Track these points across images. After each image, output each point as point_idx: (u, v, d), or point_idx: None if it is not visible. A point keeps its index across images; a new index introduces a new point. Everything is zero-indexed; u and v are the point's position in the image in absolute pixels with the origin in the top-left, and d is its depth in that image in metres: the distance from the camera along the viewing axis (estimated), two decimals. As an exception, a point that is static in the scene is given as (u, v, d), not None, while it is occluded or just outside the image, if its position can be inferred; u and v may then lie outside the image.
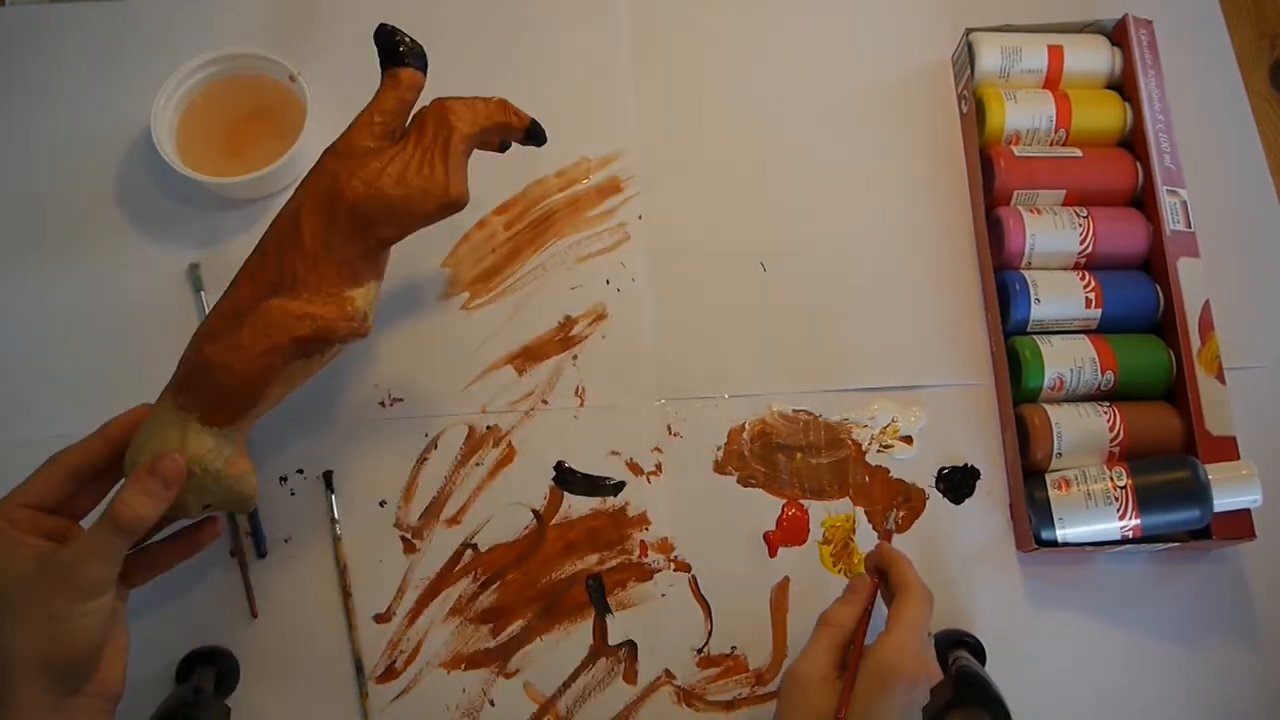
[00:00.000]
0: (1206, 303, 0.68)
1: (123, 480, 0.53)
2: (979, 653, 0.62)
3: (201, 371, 0.54)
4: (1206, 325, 0.67)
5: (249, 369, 0.53)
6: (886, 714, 0.52)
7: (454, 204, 0.57)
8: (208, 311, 0.69)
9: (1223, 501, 0.62)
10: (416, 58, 0.59)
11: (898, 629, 0.54)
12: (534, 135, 0.62)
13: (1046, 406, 0.66)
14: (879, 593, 0.58)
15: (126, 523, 0.49)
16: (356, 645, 0.63)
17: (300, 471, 0.67)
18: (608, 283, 0.72)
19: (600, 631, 0.64)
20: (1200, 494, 0.61)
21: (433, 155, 0.57)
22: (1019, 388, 0.67)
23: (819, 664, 0.54)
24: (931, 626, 0.64)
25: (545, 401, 0.69)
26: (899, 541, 0.67)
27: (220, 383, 0.53)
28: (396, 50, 0.58)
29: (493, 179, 0.74)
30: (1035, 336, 0.68)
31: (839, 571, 0.66)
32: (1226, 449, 0.65)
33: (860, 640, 0.55)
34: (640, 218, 0.74)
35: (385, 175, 0.56)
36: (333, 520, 0.66)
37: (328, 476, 0.67)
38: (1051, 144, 0.73)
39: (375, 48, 0.58)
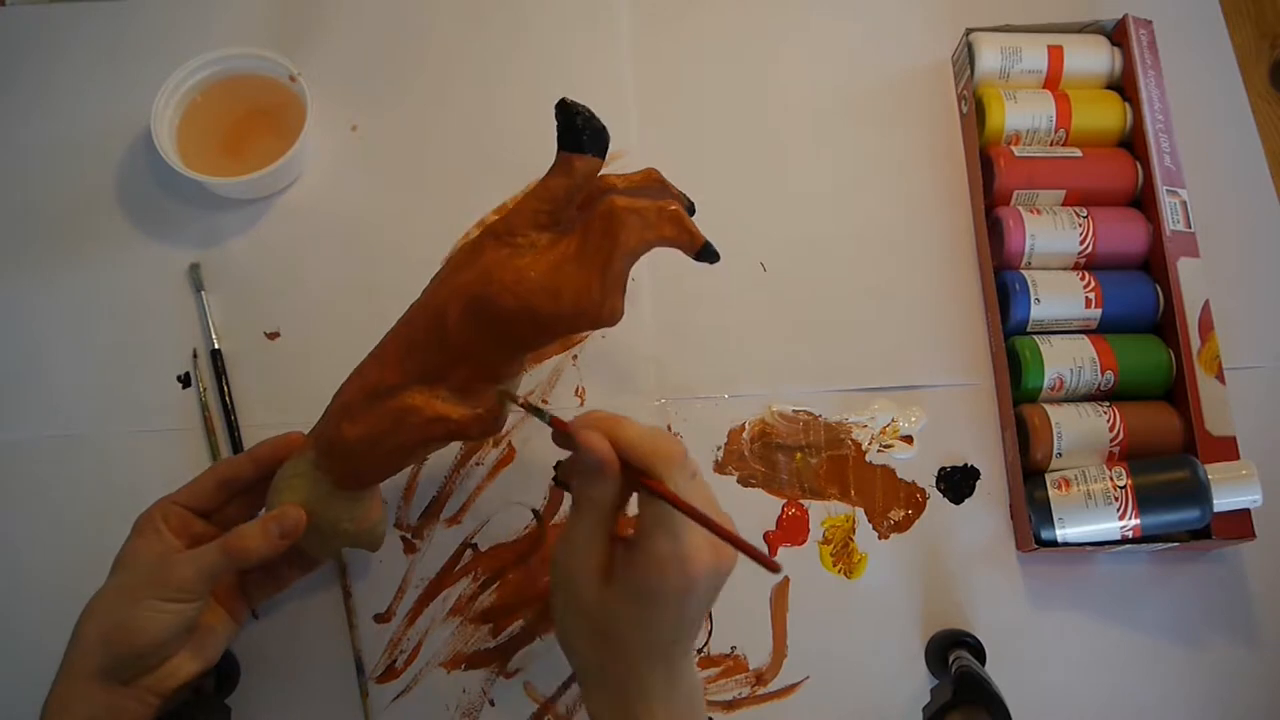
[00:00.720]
0: (1206, 303, 0.68)
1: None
2: (979, 653, 0.62)
3: (340, 448, 0.54)
4: (1206, 325, 0.67)
5: (381, 458, 0.54)
6: (675, 630, 0.48)
7: (607, 322, 0.52)
8: (208, 311, 0.70)
9: (1222, 501, 0.62)
10: (596, 141, 0.52)
11: (656, 525, 0.46)
12: (707, 254, 0.52)
13: (1046, 406, 0.66)
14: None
15: (234, 551, 0.52)
16: (357, 645, 0.63)
17: (300, 471, 0.67)
18: (608, 283, 0.72)
19: (600, 631, 0.64)
20: (1200, 494, 0.61)
21: (592, 268, 0.51)
22: (1019, 388, 0.67)
23: (589, 558, 0.48)
24: (929, 626, 0.64)
25: (545, 401, 0.69)
26: (898, 541, 0.67)
27: (355, 463, 0.54)
28: (577, 131, 0.52)
29: (493, 180, 0.75)
30: (1035, 336, 0.68)
31: (839, 572, 0.66)
32: (1226, 449, 0.65)
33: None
34: (640, 218, 0.74)
35: (538, 284, 0.51)
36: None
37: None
38: (1051, 144, 0.73)
39: (555, 121, 0.53)
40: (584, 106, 0.52)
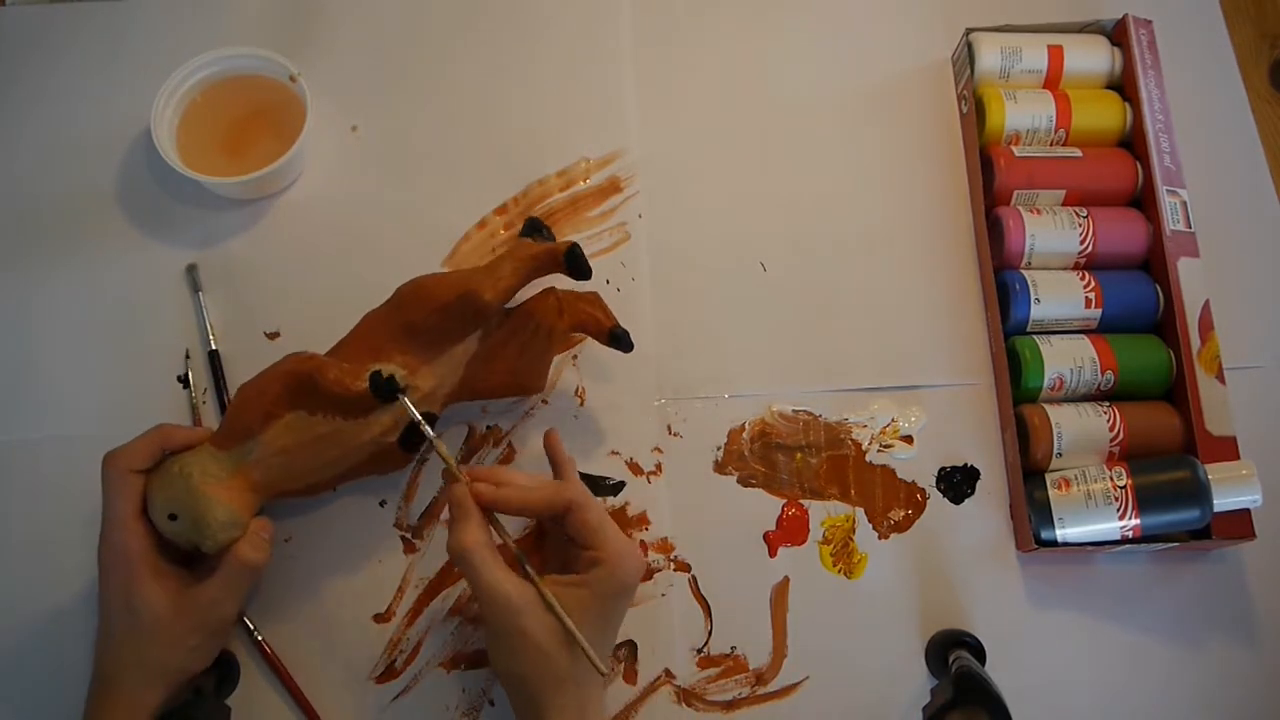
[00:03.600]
0: (1206, 303, 0.68)
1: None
2: (979, 653, 0.62)
3: (234, 399, 0.60)
4: (1206, 325, 0.67)
5: (250, 394, 0.58)
6: (619, 619, 0.57)
7: (474, 297, 0.59)
8: (205, 312, 0.70)
9: (1222, 501, 0.62)
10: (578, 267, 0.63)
11: (602, 537, 0.55)
12: (618, 340, 0.64)
13: (1046, 406, 0.66)
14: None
15: (250, 568, 0.58)
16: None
17: (300, 471, 0.67)
18: (607, 282, 0.72)
19: (600, 631, 0.64)
20: (1200, 494, 0.61)
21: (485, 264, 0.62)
22: (1019, 387, 0.67)
23: (511, 580, 0.54)
24: (929, 626, 0.65)
25: (545, 401, 0.69)
26: (898, 541, 0.67)
27: (232, 405, 0.59)
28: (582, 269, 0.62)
29: (493, 179, 0.75)
30: (1035, 336, 0.68)
31: (839, 571, 0.66)
32: (1226, 449, 0.65)
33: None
34: (640, 217, 0.74)
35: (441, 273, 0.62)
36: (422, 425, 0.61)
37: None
38: (1051, 144, 0.73)
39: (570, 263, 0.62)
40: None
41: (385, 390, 0.58)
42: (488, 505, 0.56)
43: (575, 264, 0.61)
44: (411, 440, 0.59)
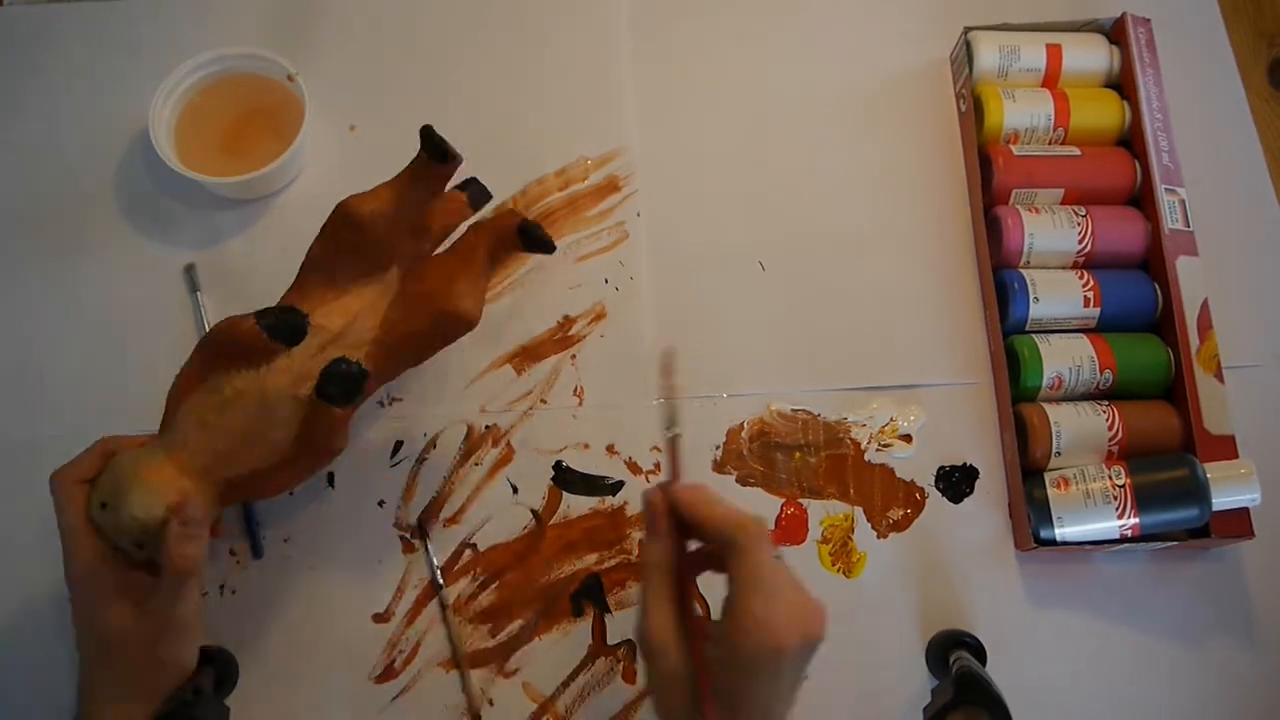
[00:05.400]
0: (1205, 301, 0.68)
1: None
2: (979, 653, 0.62)
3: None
4: (1205, 324, 0.67)
5: (178, 377, 0.57)
6: (770, 698, 0.47)
7: (347, 211, 0.58)
8: (203, 312, 0.70)
9: (1221, 500, 0.62)
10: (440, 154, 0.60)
11: (744, 593, 0.46)
12: (431, 146, 0.59)
13: (1045, 405, 0.66)
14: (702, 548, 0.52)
15: (184, 569, 0.53)
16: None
17: (299, 471, 0.67)
18: (606, 282, 0.72)
19: (599, 631, 0.64)
20: (1199, 493, 0.61)
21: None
22: (1018, 387, 0.67)
23: (662, 621, 0.48)
24: (928, 625, 0.65)
25: (544, 401, 0.69)
26: (897, 540, 0.67)
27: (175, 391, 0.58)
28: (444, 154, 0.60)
29: (492, 179, 0.74)
30: (1034, 335, 0.68)
31: (838, 571, 0.66)
32: (1225, 448, 0.65)
33: (689, 604, 0.49)
34: (639, 216, 0.74)
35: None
36: (434, 577, 0.65)
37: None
38: (1050, 143, 0.73)
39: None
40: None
41: (280, 325, 0.55)
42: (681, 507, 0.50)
43: (431, 145, 0.58)
44: (335, 392, 0.55)
